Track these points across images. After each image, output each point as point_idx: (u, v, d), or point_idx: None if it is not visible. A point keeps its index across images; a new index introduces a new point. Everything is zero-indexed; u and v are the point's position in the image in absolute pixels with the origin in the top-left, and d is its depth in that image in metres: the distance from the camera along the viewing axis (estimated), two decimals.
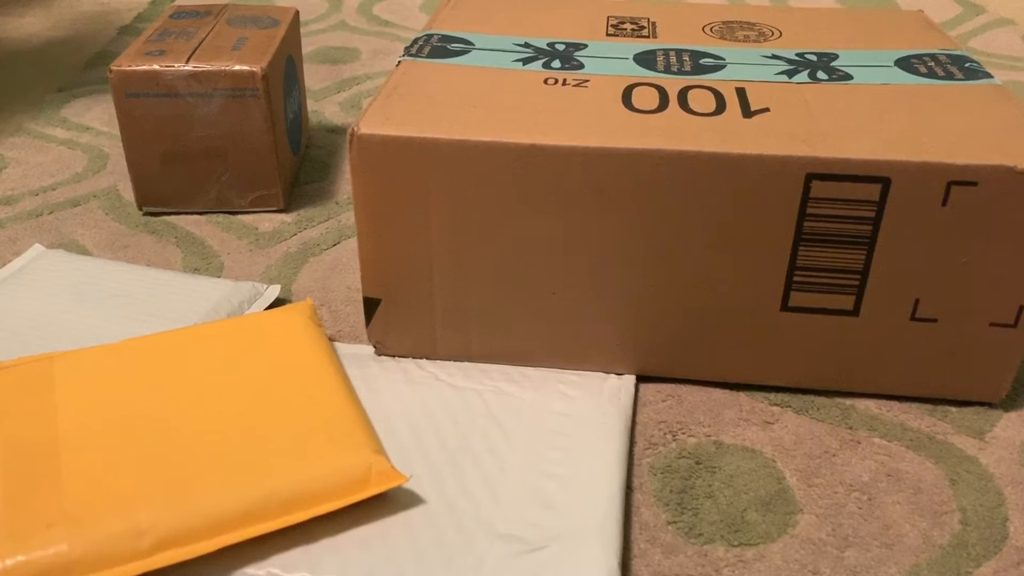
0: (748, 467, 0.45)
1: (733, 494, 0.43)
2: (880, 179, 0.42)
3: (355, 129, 0.44)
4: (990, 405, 0.49)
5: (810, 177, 0.43)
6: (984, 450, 0.46)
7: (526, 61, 0.52)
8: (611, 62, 0.52)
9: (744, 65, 0.51)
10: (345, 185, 0.70)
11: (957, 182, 0.42)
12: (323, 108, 0.83)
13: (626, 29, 0.57)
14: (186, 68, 0.60)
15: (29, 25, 1.05)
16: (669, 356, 0.49)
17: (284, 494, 0.38)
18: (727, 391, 0.50)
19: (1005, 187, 0.42)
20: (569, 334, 0.49)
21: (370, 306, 0.49)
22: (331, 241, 0.63)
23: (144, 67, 0.60)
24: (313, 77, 0.90)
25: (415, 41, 0.55)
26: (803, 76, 0.50)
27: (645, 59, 0.52)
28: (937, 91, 0.49)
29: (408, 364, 0.50)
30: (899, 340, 0.47)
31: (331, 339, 0.53)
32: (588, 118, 0.45)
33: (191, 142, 0.63)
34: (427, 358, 0.51)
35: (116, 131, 0.79)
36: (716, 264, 0.45)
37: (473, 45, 0.54)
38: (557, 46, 0.54)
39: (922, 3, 1.14)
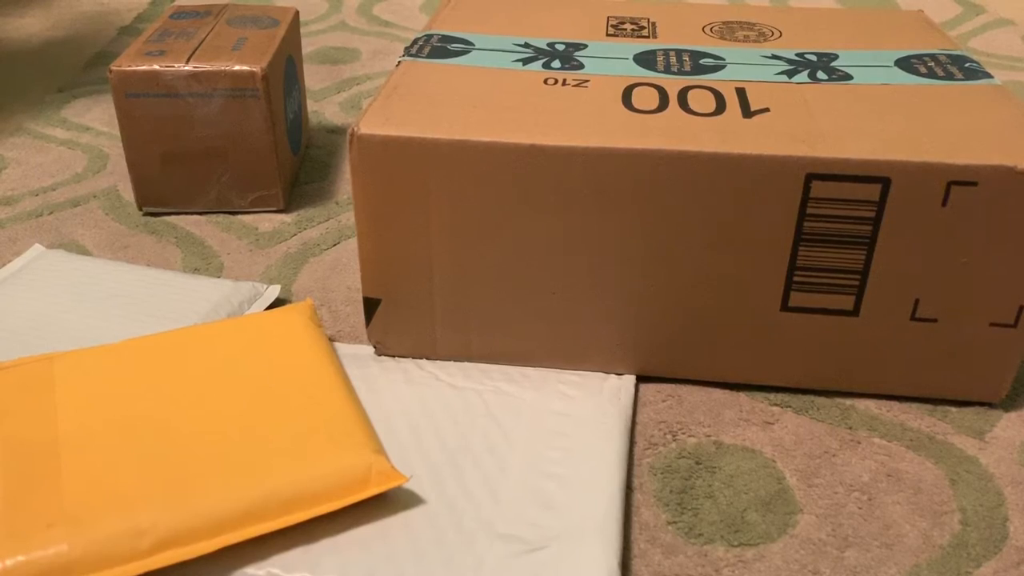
0: (748, 467, 0.45)
1: (733, 494, 0.43)
2: (880, 179, 0.42)
3: (355, 129, 0.44)
4: (990, 405, 0.49)
5: (810, 177, 0.43)
6: (984, 450, 0.46)
7: (526, 61, 0.52)
8: (611, 62, 0.52)
9: (744, 65, 0.51)
10: (345, 185, 0.70)
11: (957, 182, 0.42)
12: (323, 108, 0.83)
13: (626, 29, 0.57)
14: (186, 68, 0.60)
15: (29, 25, 1.05)
16: (669, 356, 0.49)
17: (284, 494, 0.38)
18: (727, 391, 0.50)
19: (1005, 187, 0.42)
20: (569, 334, 0.49)
21: (370, 306, 0.49)
22: (331, 241, 0.63)
23: (144, 67, 0.60)
24: (313, 77, 0.90)
25: (415, 41, 0.55)
26: (803, 76, 0.50)
27: (645, 59, 0.52)
28: (937, 91, 0.49)
29: (408, 364, 0.50)
30: (899, 340, 0.47)
31: (331, 339, 0.53)
32: (588, 118, 0.45)
33: (191, 142, 0.63)
34: (427, 358, 0.51)
35: (116, 131, 0.79)
36: (716, 264, 0.45)
37: (473, 45, 0.54)
38: (557, 46, 0.54)
39: (922, 3, 1.14)
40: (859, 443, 0.46)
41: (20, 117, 0.82)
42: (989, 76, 0.50)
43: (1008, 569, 0.40)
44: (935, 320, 0.46)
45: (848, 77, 0.50)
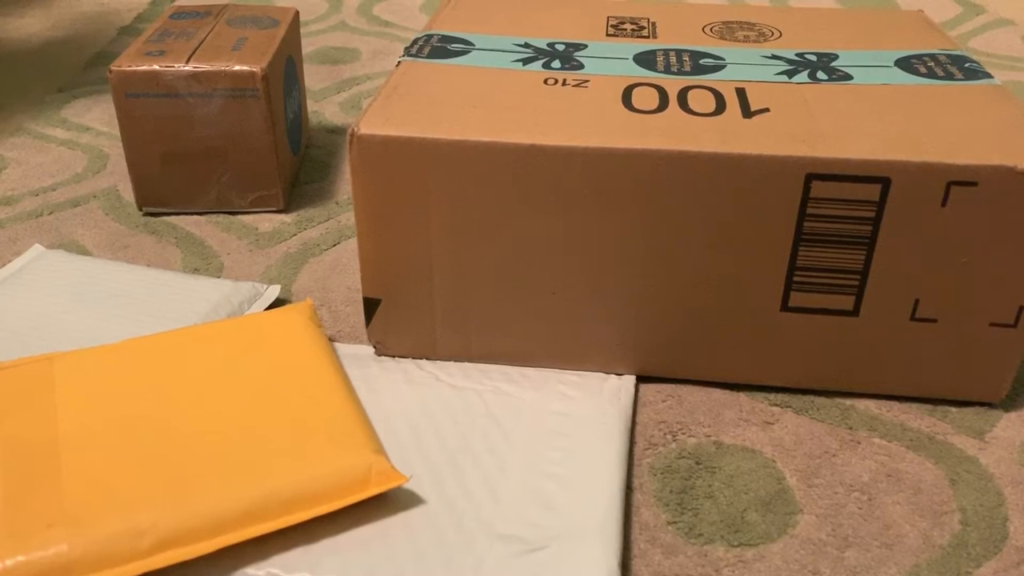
0: (748, 467, 0.45)
1: (733, 494, 0.43)
2: (880, 179, 0.42)
3: (355, 129, 0.44)
4: (990, 405, 0.49)
5: (810, 177, 0.43)
6: (984, 450, 0.46)
7: (526, 61, 0.52)
8: (611, 62, 0.52)
9: (744, 65, 0.51)
10: (345, 185, 0.70)
11: (957, 182, 0.42)
12: (323, 108, 0.83)
13: (626, 29, 0.57)
14: (186, 68, 0.60)
15: (29, 25, 1.05)
16: (669, 356, 0.49)
17: (284, 494, 0.38)
18: (727, 391, 0.50)
19: (1005, 187, 0.42)
20: (569, 334, 0.49)
21: (370, 306, 0.49)
22: (331, 241, 0.63)
23: (144, 67, 0.60)
24: (313, 77, 0.90)
25: (415, 41, 0.55)
26: (803, 76, 0.50)
27: (645, 59, 0.52)
28: (937, 91, 0.49)
29: (408, 364, 0.50)
30: (899, 340, 0.47)
31: (331, 339, 0.53)
32: (588, 118, 0.45)
33: (191, 142, 0.63)
34: (427, 358, 0.51)
35: (116, 131, 0.79)
36: (716, 264, 0.45)
37: (473, 45, 0.54)
38: (557, 46, 0.54)
39: (922, 3, 1.14)
40: (859, 443, 0.46)
41: (20, 117, 0.82)
42: (989, 76, 0.50)
43: (1008, 569, 0.40)
44: (935, 320, 0.46)
45: (848, 77, 0.50)
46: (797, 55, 0.53)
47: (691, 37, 0.56)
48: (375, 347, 0.51)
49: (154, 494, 0.38)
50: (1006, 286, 0.45)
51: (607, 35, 0.56)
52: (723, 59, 0.52)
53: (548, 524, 0.40)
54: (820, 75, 0.50)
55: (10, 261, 0.60)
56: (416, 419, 0.45)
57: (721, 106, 0.46)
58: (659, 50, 0.54)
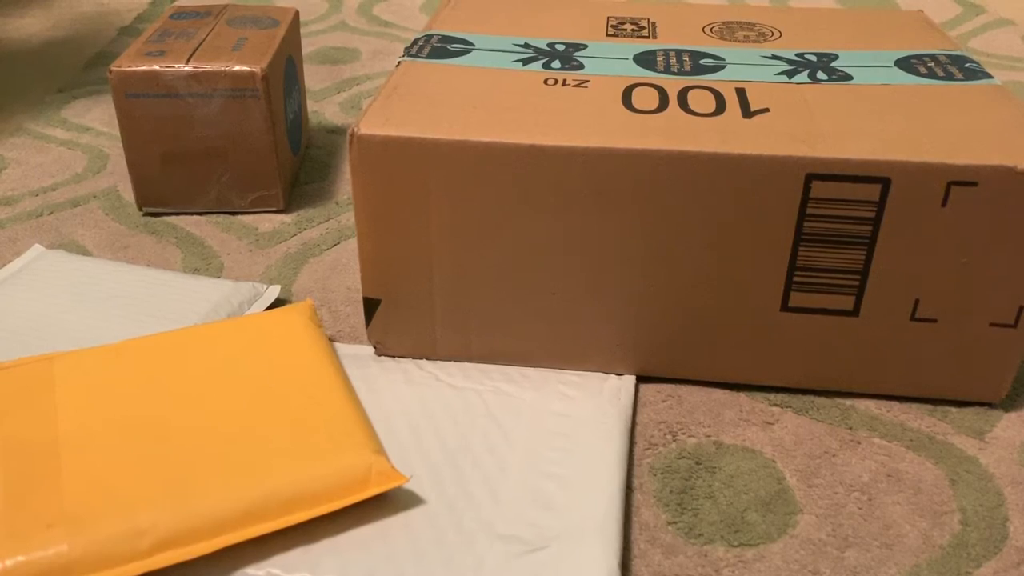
0: (748, 467, 0.45)
1: (733, 494, 0.43)
2: (880, 179, 0.42)
3: (355, 129, 0.44)
4: (990, 405, 0.49)
5: (810, 177, 0.43)
6: (984, 450, 0.46)
7: (526, 61, 0.52)
8: (611, 62, 0.52)
9: (744, 65, 0.51)
10: (345, 185, 0.70)
11: (957, 182, 0.42)
12: (323, 108, 0.83)
13: (626, 29, 0.57)
14: (186, 68, 0.60)
15: (29, 25, 1.05)
16: (669, 356, 0.49)
17: (284, 494, 0.38)
18: (727, 391, 0.50)
19: (1005, 187, 0.42)
20: (569, 334, 0.49)
21: (370, 306, 0.49)
22: (331, 241, 0.63)
23: (144, 67, 0.60)
24: (313, 77, 0.90)
25: (415, 41, 0.55)
26: (803, 76, 0.50)
27: (645, 59, 0.52)
28: (937, 91, 0.49)
29: (408, 364, 0.50)
30: (899, 340, 0.47)
31: (331, 339, 0.53)
32: (588, 118, 0.45)
33: (191, 142, 0.63)
34: (427, 358, 0.51)
35: (116, 131, 0.79)
36: (716, 264, 0.45)
37: (473, 45, 0.54)
38: (557, 46, 0.54)
39: (922, 3, 1.14)
40: (859, 443, 0.46)
41: (20, 117, 0.82)
42: (989, 76, 0.50)
43: (1008, 569, 0.40)
44: (935, 320, 0.46)
45: (848, 77, 0.50)
46: (797, 55, 0.53)
47: (691, 37, 0.56)
48: (375, 347, 0.51)
49: (154, 494, 0.38)
50: (1006, 286, 0.45)
51: (607, 35, 0.56)
52: (723, 59, 0.52)
53: (548, 524, 0.40)
54: (820, 75, 0.50)
55: (10, 261, 0.60)
56: (416, 419, 0.45)
57: (721, 106, 0.46)
58: (659, 50, 0.54)
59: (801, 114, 0.46)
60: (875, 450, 0.46)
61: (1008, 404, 0.49)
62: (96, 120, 0.81)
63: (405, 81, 0.49)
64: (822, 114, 0.46)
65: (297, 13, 0.72)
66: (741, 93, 0.48)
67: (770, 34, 0.56)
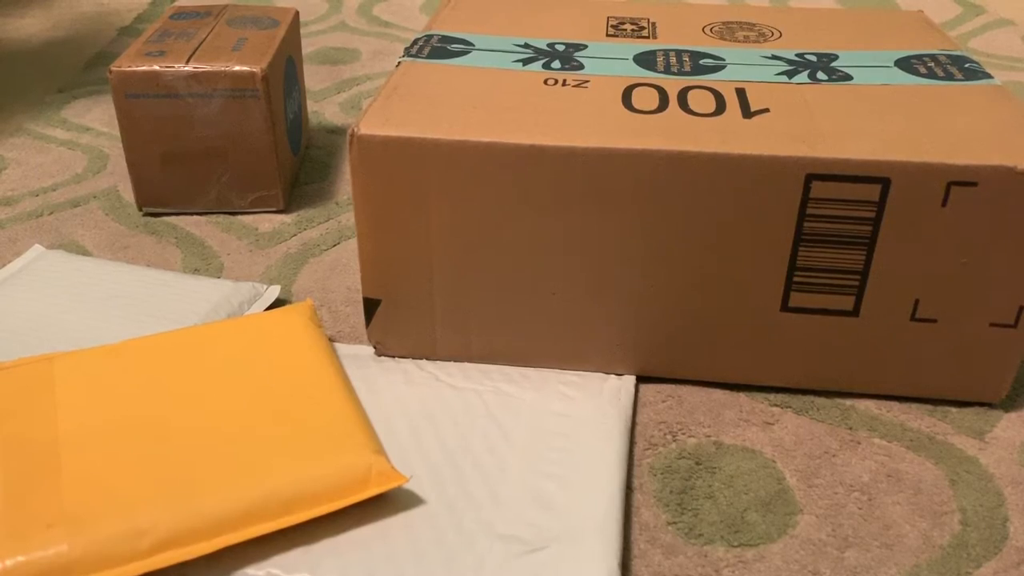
0: (748, 468, 0.45)
1: (733, 495, 0.43)
2: (880, 179, 0.42)
3: (355, 130, 0.44)
4: (990, 405, 0.49)
5: (810, 177, 0.43)
6: (984, 450, 0.46)
7: (526, 62, 0.52)
8: (611, 63, 0.52)
9: (744, 66, 0.51)
10: (345, 186, 0.70)
11: (957, 182, 0.42)
12: (323, 109, 0.83)
13: (626, 29, 0.57)
14: (186, 69, 0.60)
15: (29, 25, 1.05)
16: (669, 356, 0.49)
17: (284, 494, 0.38)
18: (727, 391, 0.50)
19: (1005, 187, 0.42)
20: (569, 334, 0.49)
21: (370, 307, 0.49)
22: (331, 242, 0.63)
23: (144, 68, 0.60)
24: (313, 78, 0.90)
25: (415, 42, 0.55)
26: (803, 76, 0.50)
27: (645, 59, 0.52)
28: (937, 91, 0.49)
29: (408, 365, 0.50)
30: (899, 340, 0.47)
31: (331, 340, 0.53)
32: (588, 118, 0.45)
33: (191, 142, 0.63)
34: (427, 358, 0.51)
35: (116, 132, 0.79)
36: (716, 264, 0.45)
37: (473, 46, 0.54)
38: (557, 47, 0.54)
39: (922, 3, 1.14)
40: (859, 443, 0.46)
41: (20, 117, 0.82)
42: (989, 76, 0.50)
43: (1008, 569, 0.40)
44: (935, 320, 0.46)
45: (848, 77, 0.50)
46: (797, 55, 0.53)
47: (691, 37, 0.56)
48: (375, 347, 0.51)
49: (154, 494, 0.38)
50: (1006, 286, 0.45)
51: (607, 35, 0.56)
52: (723, 59, 0.52)
53: (548, 524, 0.40)
54: (820, 75, 0.50)
55: (10, 261, 0.60)
56: (416, 419, 0.45)
57: (721, 106, 0.46)
58: (659, 50, 0.54)
59: (801, 114, 0.46)
60: (875, 450, 0.46)
61: (1008, 404, 0.49)
62: (96, 120, 0.81)
63: (405, 81, 0.49)
64: (822, 114, 0.46)
65: (297, 13, 0.72)
66: (741, 93, 0.48)
67: (770, 34, 0.56)
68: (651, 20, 0.59)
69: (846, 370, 0.48)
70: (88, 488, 0.38)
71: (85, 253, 0.61)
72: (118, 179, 0.71)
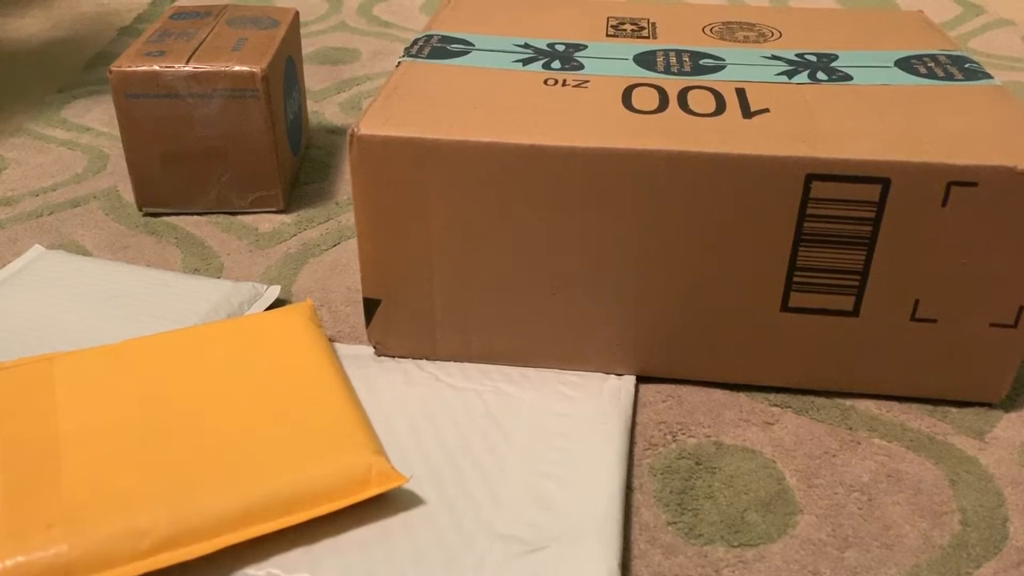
0: (748, 468, 0.45)
1: (733, 495, 0.43)
2: (880, 179, 0.42)
3: (355, 130, 0.44)
4: (990, 405, 0.49)
5: (810, 177, 0.43)
6: (984, 451, 0.46)
7: (526, 62, 0.52)
8: (611, 63, 0.52)
9: (744, 66, 0.51)
10: (345, 186, 0.70)
11: (957, 182, 0.42)
12: (323, 109, 0.83)
13: (626, 30, 0.57)
14: (186, 69, 0.60)
15: (29, 25, 1.05)
16: (669, 356, 0.49)
17: (284, 495, 0.38)
18: (727, 391, 0.50)
19: (1005, 187, 0.42)
20: (569, 334, 0.49)
21: (370, 307, 0.49)
22: (331, 242, 0.63)
23: (144, 68, 0.60)
24: (313, 78, 0.90)
25: (415, 42, 0.55)
26: (803, 77, 0.50)
27: (645, 60, 0.52)
28: (937, 91, 0.49)
29: (408, 365, 0.50)
30: (899, 340, 0.47)
31: (331, 340, 0.53)
32: (588, 119, 0.45)
33: (191, 143, 0.63)
34: (427, 359, 0.51)
35: (116, 132, 0.79)
36: (716, 264, 0.45)
37: (473, 46, 0.54)
38: (557, 47, 0.54)
39: (922, 3, 1.14)
40: (859, 443, 0.46)
41: (20, 117, 0.82)
42: (989, 76, 0.50)
43: (1008, 569, 0.40)
44: (935, 320, 0.46)
45: (848, 77, 0.50)
46: (797, 55, 0.53)
47: (691, 37, 0.56)
48: (375, 347, 0.51)
49: (154, 494, 0.38)
50: (1006, 286, 0.45)
51: (607, 35, 0.56)
52: (723, 59, 0.52)
53: (548, 524, 0.40)
54: (820, 75, 0.50)
55: (10, 261, 0.60)
56: (416, 419, 0.45)
57: (721, 106, 0.46)
58: (659, 50, 0.54)
59: (801, 114, 0.46)
60: (875, 450, 0.46)
61: (1008, 404, 0.49)
62: (96, 120, 0.81)
63: (405, 81, 0.49)
64: (822, 114, 0.46)
65: (297, 13, 0.72)
66: (741, 93, 0.48)
67: (770, 34, 0.56)
68: (651, 20, 0.59)
69: (846, 370, 0.48)
70: (88, 488, 0.38)
71: (85, 253, 0.61)
72: (118, 179, 0.71)
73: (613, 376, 0.49)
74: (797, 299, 0.46)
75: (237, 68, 0.61)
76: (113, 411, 0.42)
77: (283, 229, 0.64)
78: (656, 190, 0.44)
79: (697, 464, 0.45)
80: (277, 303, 0.56)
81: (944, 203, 0.43)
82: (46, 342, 0.50)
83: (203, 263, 0.60)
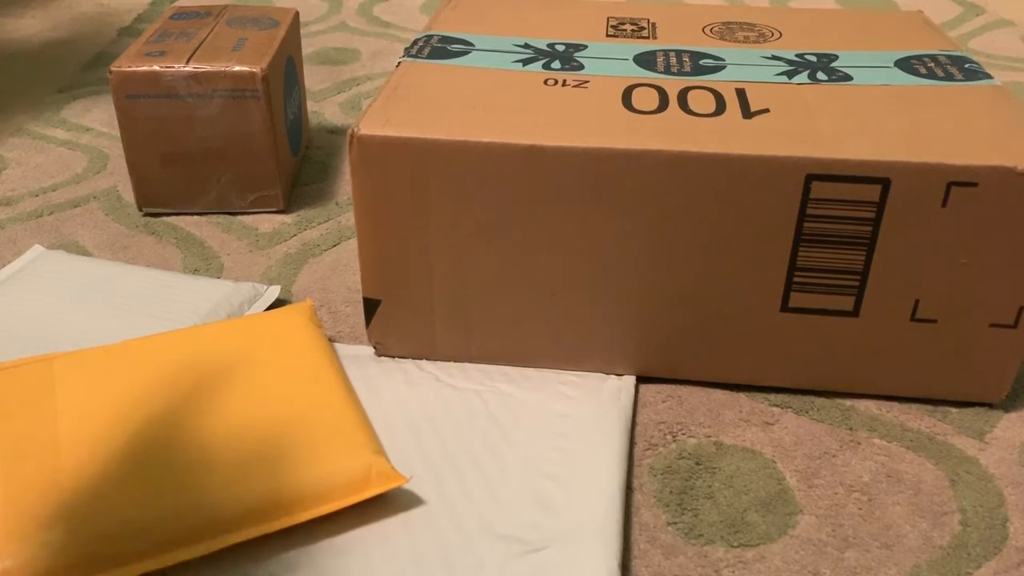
0: (748, 468, 0.45)
1: (733, 495, 0.43)
2: (880, 180, 0.42)
3: (355, 130, 0.44)
4: (990, 406, 0.49)
5: (810, 178, 0.43)
6: (984, 451, 0.46)
7: (526, 62, 0.52)
8: (611, 63, 0.52)
9: (744, 66, 0.51)
10: (345, 186, 0.70)
11: (957, 183, 0.42)
12: (323, 109, 0.83)
13: (626, 30, 0.57)
14: (186, 69, 0.60)
15: (29, 26, 1.05)
16: (669, 357, 0.49)
17: (284, 495, 0.38)
18: (727, 392, 0.50)
19: (1005, 187, 0.42)
20: (569, 335, 0.49)
21: (370, 307, 0.49)
22: (331, 242, 0.63)
23: (144, 68, 0.60)
24: (313, 78, 0.90)
25: (415, 42, 0.55)
26: (803, 77, 0.50)
27: (645, 60, 0.52)
28: (937, 92, 0.49)
29: (408, 365, 0.50)
30: (899, 341, 0.47)
31: (331, 340, 0.53)
32: (588, 119, 0.45)
33: (191, 143, 0.63)
34: (427, 359, 0.51)
35: (116, 132, 0.79)
36: (716, 265, 0.45)
37: (473, 46, 0.54)
38: (557, 47, 0.54)
39: (922, 3, 1.14)
40: (859, 444, 0.46)
41: (20, 117, 0.82)
42: (989, 76, 0.50)
43: (1008, 570, 0.40)
44: (935, 321, 0.46)
45: (848, 78, 0.50)
46: (797, 56, 0.53)
47: (691, 38, 0.56)
48: (375, 348, 0.51)
49: (154, 494, 0.38)
50: (1006, 286, 0.45)
51: (607, 36, 0.56)
52: (723, 60, 0.52)
53: (548, 525, 0.40)
54: (820, 76, 0.50)
55: (10, 261, 0.60)
56: (416, 420, 0.45)
57: (721, 107, 0.46)
58: (659, 51, 0.54)
59: (801, 114, 0.46)
60: (875, 450, 0.46)
61: (1008, 404, 0.49)
62: (96, 120, 0.81)
63: (405, 82, 0.49)
64: (822, 114, 0.46)
65: (297, 14, 0.72)
66: (741, 93, 0.48)
67: (770, 34, 0.56)
68: (651, 20, 0.59)
69: (846, 370, 0.48)
70: (88, 488, 0.38)
71: (85, 253, 0.61)
72: (118, 179, 0.71)
73: (613, 376, 0.49)
74: (797, 299, 0.46)
75: (237, 68, 0.61)
76: (113, 411, 0.42)
77: (283, 229, 0.64)
78: (656, 190, 0.44)
79: (697, 464, 0.45)
80: (277, 303, 0.56)
81: (944, 203, 0.43)
82: (46, 342, 0.50)
83: (203, 263, 0.60)
